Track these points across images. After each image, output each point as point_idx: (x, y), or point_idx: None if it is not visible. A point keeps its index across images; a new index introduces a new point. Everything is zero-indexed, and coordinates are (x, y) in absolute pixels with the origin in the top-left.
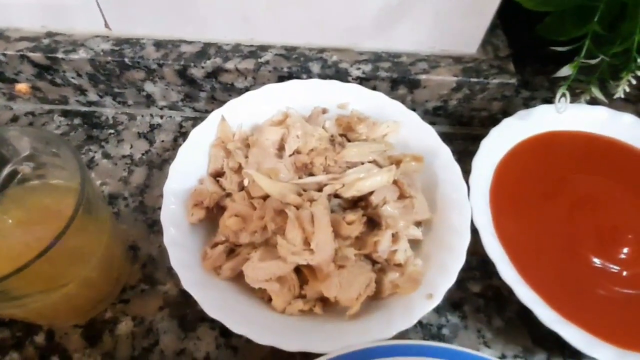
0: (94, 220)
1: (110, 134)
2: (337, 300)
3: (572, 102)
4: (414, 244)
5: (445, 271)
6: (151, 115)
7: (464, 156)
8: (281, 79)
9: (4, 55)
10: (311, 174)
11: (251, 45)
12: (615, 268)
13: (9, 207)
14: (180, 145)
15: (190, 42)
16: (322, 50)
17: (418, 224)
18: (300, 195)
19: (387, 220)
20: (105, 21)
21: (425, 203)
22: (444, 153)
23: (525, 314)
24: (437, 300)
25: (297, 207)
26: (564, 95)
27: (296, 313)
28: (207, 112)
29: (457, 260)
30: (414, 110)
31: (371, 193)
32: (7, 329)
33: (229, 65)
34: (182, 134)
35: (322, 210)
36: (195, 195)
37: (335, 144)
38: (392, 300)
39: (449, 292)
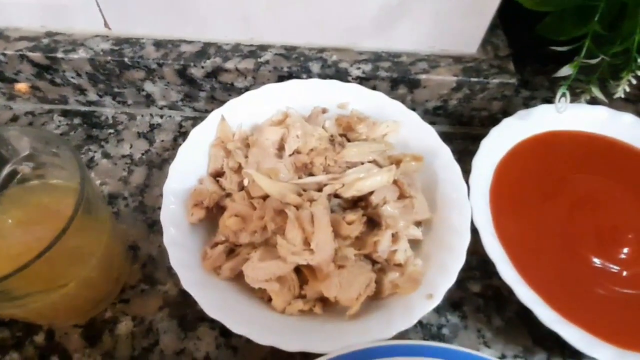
0: (93, 220)
1: (110, 133)
2: (337, 300)
3: (572, 101)
4: (414, 243)
5: (445, 271)
6: (151, 115)
7: (464, 156)
8: (281, 78)
9: (4, 55)
10: (311, 174)
11: (251, 45)
12: (615, 268)
13: (8, 207)
14: (180, 145)
15: (190, 42)
16: (322, 50)
17: (418, 223)
18: (300, 195)
19: (387, 220)
20: (105, 21)
21: (425, 203)
22: (444, 153)
23: (525, 313)
24: (437, 300)
25: (297, 207)
26: (564, 95)
27: (296, 313)
28: (207, 111)
29: (457, 260)
30: (414, 110)
31: (371, 193)
32: (7, 329)
33: (229, 65)
34: (182, 134)
35: (322, 210)
36: (195, 195)
37: (335, 144)
38: (392, 300)
39: (448, 292)
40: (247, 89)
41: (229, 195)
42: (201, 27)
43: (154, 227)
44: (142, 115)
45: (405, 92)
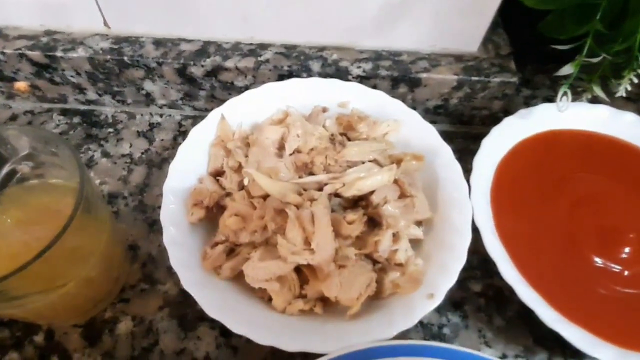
0: (93, 220)
1: (110, 132)
2: (338, 300)
3: (573, 100)
4: (415, 243)
5: (446, 271)
6: (151, 114)
7: (465, 155)
8: (281, 77)
9: (3, 53)
10: (311, 173)
11: (251, 44)
12: (616, 267)
13: (7, 206)
14: (180, 144)
15: (189, 41)
16: (322, 49)
17: (419, 223)
18: (300, 194)
19: (388, 220)
20: (104, 19)
21: (426, 202)
22: (445, 152)
23: (526, 313)
24: (438, 300)
25: (298, 207)
26: (565, 93)
27: (296, 313)
28: (207, 110)
29: (458, 260)
30: (414, 109)
31: (372, 192)
32: (7, 329)
33: (229, 63)
34: (181, 133)
35: (323, 209)
36: (195, 194)
37: (336, 143)
38: (393, 300)
39: (449, 292)
40: (247, 88)
41: (229, 194)
42: (201, 26)
43: (154, 226)
44: (142, 114)
45: (406, 91)
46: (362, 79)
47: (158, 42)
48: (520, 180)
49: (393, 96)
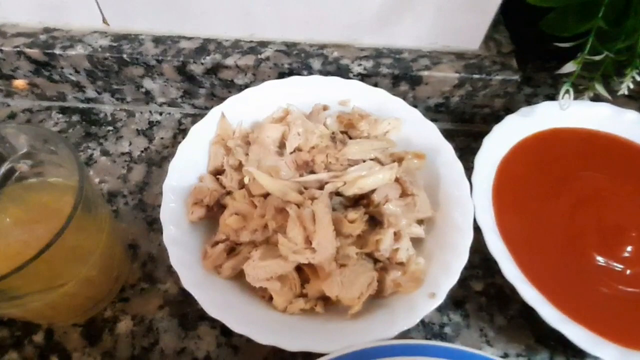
0: (92, 219)
1: (109, 131)
2: (339, 299)
3: (575, 98)
4: (416, 242)
5: (447, 270)
6: (150, 112)
7: (466, 153)
8: (281, 75)
9: (1, 51)
10: (312, 172)
11: (251, 41)
12: (618, 266)
13: (6, 205)
14: (180, 142)
15: (189, 38)
16: (323, 47)
17: (420, 222)
18: (301, 193)
19: (389, 219)
20: (103, 17)
21: (427, 201)
22: (446, 150)
23: (528, 312)
24: (440, 299)
25: (298, 206)
26: (567, 91)
27: (297, 312)
28: (207, 108)
29: (459, 259)
30: (415, 107)
31: (373, 191)
32: (6, 328)
33: (229, 61)
34: (181, 131)
35: (324, 208)
36: (195, 193)
37: (337, 142)
38: (394, 299)
39: (451, 291)
40: (247, 86)
41: (229, 193)
42: (201, 23)
43: (154, 225)
44: (141, 112)
45: (407, 89)
46: (363, 77)
47: (157, 40)
48: (521, 178)
49: (394, 94)
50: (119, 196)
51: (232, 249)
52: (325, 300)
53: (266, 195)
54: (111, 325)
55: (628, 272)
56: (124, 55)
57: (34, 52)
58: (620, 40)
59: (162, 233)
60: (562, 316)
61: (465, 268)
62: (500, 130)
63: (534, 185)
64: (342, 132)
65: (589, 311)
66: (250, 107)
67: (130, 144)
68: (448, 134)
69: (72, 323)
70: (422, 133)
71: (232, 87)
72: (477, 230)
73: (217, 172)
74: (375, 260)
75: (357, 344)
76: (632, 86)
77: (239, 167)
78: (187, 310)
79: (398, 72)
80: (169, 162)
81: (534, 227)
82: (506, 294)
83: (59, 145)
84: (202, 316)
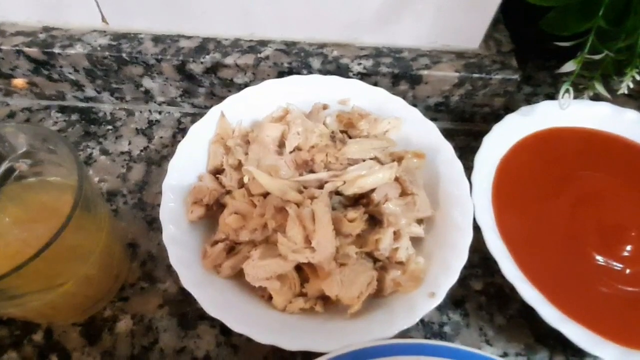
0: (92, 218)
1: (108, 130)
2: (339, 298)
3: (575, 98)
4: (416, 241)
5: (447, 269)
6: (149, 111)
7: (466, 153)
8: (281, 74)
9: (0, 50)
10: (312, 171)
11: (251, 40)
12: (618, 266)
13: (6, 204)
14: (179, 141)
15: (189, 37)
16: (322, 46)
17: (420, 221)
18: (300, 192)
19: (389, 218)
20: (103, 15)
21: (427, 200)
22: (446, 150)
23: (528, 311)
24: (440, 298)
25: (298, 205)
26: (567, 91)
27: (297, 311)
28: (206, 108)
29: (459, 258)
30: (415, 106)
31: (373, 190)
32: (5, 328)
33: (228, 60)
34: (180, 130)
35: (323, 207)
36: (195, 192)
37: (336, 141)
38: (394, 298)
39: (450, 290)
40: (246, 85)
41: (228, 192)
42: (200, 22)
43: (153, 224)
44: (141, 112)
45: (407, 88)
46: (363, 76)
47: (157, 39)
48: (521, 177)
49: (394, 93)
50: (119, 195)
51: (232, 248)
52: (324, 299)
53: (266, 195)
54: (111, 324)
55: (627, 271)
56: (123, 54)
57: (33, 51)
58: (620, 39)
59: (161, 232)
60: (562, 315)
61: (465, 267)
62: (500, 130)
63: (533, 184)
64: (341, 132)
65: (589, 310)
66: (250, 106)
67: (130, 143)
68: (448, 133)
69: (72, 322)
70: (422, 132)
71: (232, 86)
72: (476, 229)
73: (217, 172)
74: (375, 260)
75: (357, 343)
76: (632, 85)
77: (239, 167)
78: (186, 310)
79: (398, 71)
80: (168, 161)
81: (534, 227)
82: (506, 293)
83: (58, 145)
84: (202, 315)
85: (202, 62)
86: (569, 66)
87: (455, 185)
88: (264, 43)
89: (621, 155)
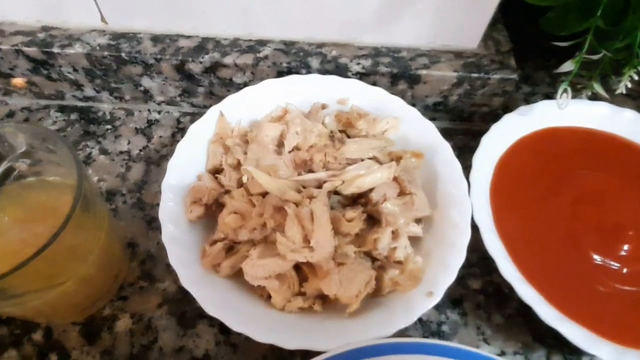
0: (91, 217)
1: (108, 129)
2: (337, 297)
3: (573, 97)
4: (414, 241)
5: (445, 268)
6: (149, 110)
7: (465, 152)
8: (280, 74)
9: None
10: (311, 171)
11: (250, 40)
12: (615, 265)
13: (5, 204)
14: (178, 141)
15: (188, 37)
16: (321, 45)
17: (418, 220)
18: (299, 192)
19: (387, 218)
20: (102, 15)
21: (425, 200)
22: (444, 149)
23: (525, 310)
24: (438, 297)
25: (297, 204)
26: (565, 90)
27: (296, 311)
28: (206, 107)
29: (457, 257)
30: (414, 105)
31: (371, 190)
32: (5, 327)
33: (228, 60)
34: (180, 130)
35: (322, 207)
36: (194, 192)
37: (335, 140)
38: (392, 297)
39: (449, 289)
40: (245, 85)
41: (227, 192)
42: (199, 22)
43: (153, 223)
44: (140, 111)
45: (406, 87)
46: (362, 76)
47: (156, 38)
48: (519, 177)
49: (392, 93)
50: (118, 195)
51: (231, 248)
52: (323, 298)
53: (265, 194)
54: (110, 323)
55: (625, 270)
56: (123, 54)
57: (32, 51)
58: (619, 39)
59: (160, 231)
60: (559, 315)
61: (463, 266)
62: (498, 129)
63: (531, 183)
64: (340, 131)
65: (586, 310)
66: (249, 105)
67: (129, 142)
68: (446, 133)
69: (71, 321)
70: (421, 132)
71: (231, 86)
72: (474, 228)
73: (216, 171)
74: (373, 259)
75: (355, 342)
76: (630, 85)
77: (238, 166)
78: (185, 309)
79: (397, 71)
80: (167, 160)
81: (532, 226)
82: (504, 293)
83: (58, 144)
84: (201, 314)
85: (201, 62)
86: (568, 66)
87: (453, 185)
88: (263, 43)
89: (619, 154)
